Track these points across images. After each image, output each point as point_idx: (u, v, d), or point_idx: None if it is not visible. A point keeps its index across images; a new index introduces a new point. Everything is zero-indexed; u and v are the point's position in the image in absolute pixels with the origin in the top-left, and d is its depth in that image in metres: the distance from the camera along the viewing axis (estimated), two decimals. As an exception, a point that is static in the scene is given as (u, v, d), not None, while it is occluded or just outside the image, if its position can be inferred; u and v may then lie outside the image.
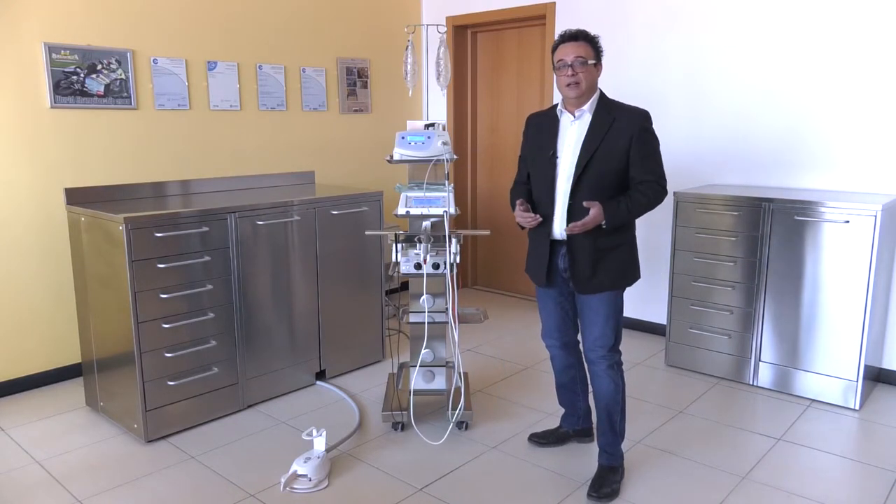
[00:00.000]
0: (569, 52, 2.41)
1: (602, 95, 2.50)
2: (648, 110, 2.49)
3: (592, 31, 2.50)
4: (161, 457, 2.84)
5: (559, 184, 2.48)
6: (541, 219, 2.49)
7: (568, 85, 2.42)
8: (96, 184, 3.56)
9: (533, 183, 2.60)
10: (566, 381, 2.84)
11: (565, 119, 2.51)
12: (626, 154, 2.41)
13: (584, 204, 2.41)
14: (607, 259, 2.47)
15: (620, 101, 2.53)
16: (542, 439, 2.92)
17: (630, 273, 2.54)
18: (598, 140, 2.41)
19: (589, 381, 2.80)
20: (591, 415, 2.92)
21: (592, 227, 2.38)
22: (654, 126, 2.50)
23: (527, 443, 2.94)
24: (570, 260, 2.50)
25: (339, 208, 3.58)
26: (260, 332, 3.31)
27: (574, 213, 2.45)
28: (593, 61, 2.42)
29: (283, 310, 3.39)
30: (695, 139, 4.03)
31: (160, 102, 3.81)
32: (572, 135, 2.48)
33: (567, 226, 2.41)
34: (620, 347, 2.59)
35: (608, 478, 2.57)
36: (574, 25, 4.44)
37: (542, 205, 2.55)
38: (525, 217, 2.50)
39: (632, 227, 2.55)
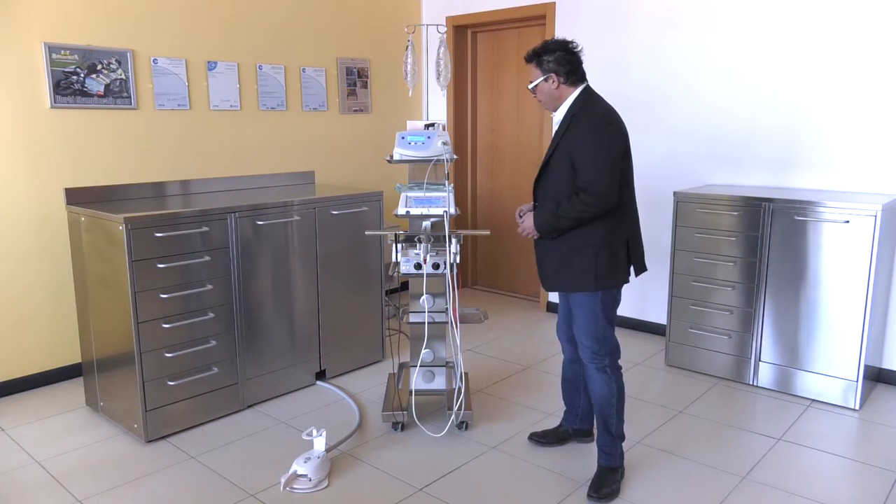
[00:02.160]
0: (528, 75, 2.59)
1: (578, 97, 2.49)
2: (610, 114, 2.44)
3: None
4: (161, 457, 2.84)
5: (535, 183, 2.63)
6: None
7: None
8: (96, 184, 3.56)
9: None
10: (570, 376, 2.86)
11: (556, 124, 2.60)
12: (571, 162, 2.42)
13: (518, 213, 2.68)
14: (571, 260, 2.50)
15: (605, 101, 2.52)
16: (542, 438, 2.93)
17: (594, 277, 2.47)
18: (556, 142, 2.49)
19: None
20: (591, 415, 2.92)
21: (532, 232, 2.53)
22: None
23: (527, 443, 2.94)
24: (538, 260, 2.62)
25: (339, 208, 3.58)
26: (260, 332, 3.31)
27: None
28: (539, 79, 2.50)
29: (283, 310, 3.39)
30: (695, 139, 4.03)
31: (160, 102, 3.81)
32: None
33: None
34: (610, 350, 2.56)
35: (607, 478, 2.57)
36: (574, 25, 4.47)
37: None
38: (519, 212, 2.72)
39: (598, 231, 2.46)
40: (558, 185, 2.46)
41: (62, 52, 3.41)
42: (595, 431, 2.85)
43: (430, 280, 2.96)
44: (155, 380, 2.94)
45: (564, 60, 2.47)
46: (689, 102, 4.03)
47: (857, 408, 3.26)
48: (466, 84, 5.26)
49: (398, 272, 2.93)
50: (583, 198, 2.38)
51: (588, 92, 2.51)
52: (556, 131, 2.51)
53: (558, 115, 2.54)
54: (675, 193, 3.68)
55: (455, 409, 2.98)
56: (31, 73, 3.35)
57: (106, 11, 3.56)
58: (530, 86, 2.55)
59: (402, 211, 2.89)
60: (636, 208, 2.59)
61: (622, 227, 2.51)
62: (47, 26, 3.37)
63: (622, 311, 2.77)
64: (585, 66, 2.56)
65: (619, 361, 2.61)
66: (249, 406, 3.32)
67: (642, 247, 2.63)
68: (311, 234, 3.48)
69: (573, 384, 2.86)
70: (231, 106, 4.13)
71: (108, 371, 3.11)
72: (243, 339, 3.24)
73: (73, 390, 3.50)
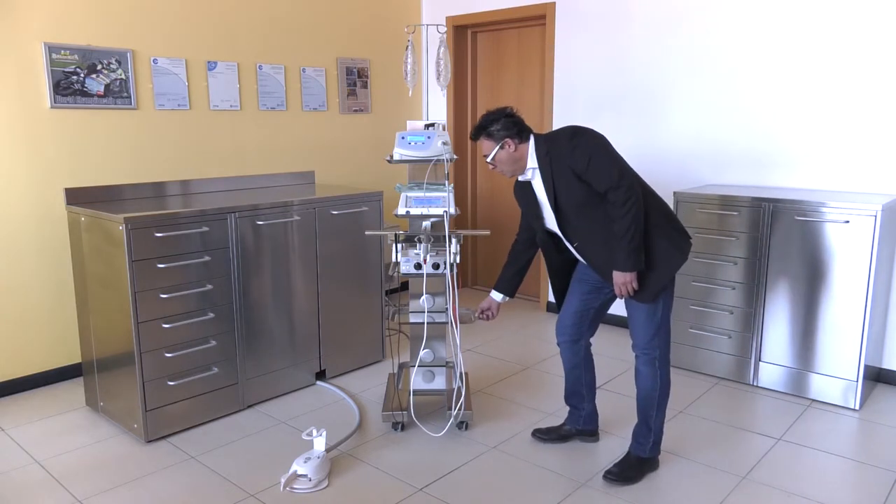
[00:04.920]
0: (481, 151, 2.58)
1: (537, 143, 2.51)
2: (573, 124, 2.53)
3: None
4: (161, 457, 2.84)
5: (560, 234, 2.59)
6: (486, 318, 2.89)
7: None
8: (96, 184, 3.56)
9: (544, 239, 2.68)
10: (572, 381, 2.86)
11: (533, 181, 2.58)
12: (579, 179, 2.41)
13: (481, 311, 2.86)
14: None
15: (565, 126, 2.57)
16: (545, 435, 2.94)
17: (665, 273, 2.46)
18: (550, 187, 2.48)
19: (594, 386, 2.89)
20: (595, 417, 2.92)
21: (631, 278, 2.40)
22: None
23: (527, 443, 2.94)
24: (609, 280, 2.53)
25: (339, 208, 3.58)
26: (260, 332, 3.31)
27: (584, 251, 2.56)
28: (496, 148, 2.50)
29: (283, 310, 3.39)
30: (695, 139, 4.03)
31: (160, 102, 3.81)
32: (539, 189, 2.55)
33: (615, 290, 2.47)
34: (662, 342, 2.57)
35: (632, 465, 2.63)
36: (574, 25, 4.46)
37: (557, 252, 2.69)
38: (480, 312, 2.89)
39: (647, 222, 2.46)
40: (584, 207, 2.44)
41: (62, 52, 3.41)
42: (597, 427, 2.85)
43: (430, 280, 2.96)
44: (155, 380, 2.94)
45: (510, 123, 2.50)
46: (690, 102, 4.03)
47: (857, 408, 3.26)
48: (466, 84, 5.27)
49: (398, 272, 2.93)
50: (616, 200, 2.35)
51: (539, 135, 2.54)
52: (543, 177, 2.49)
53: (529, 168, 2.52)
54: (675, 193, 3.68)
55: (455, 409, 2.97)
56: (31, 73, 3.35)
57: (106, 11, 3.56)
58: (489, 158, 2.53)
59: (402, 211, 2.89)
60: (652, 189, 2.54)
61: (654, 208, 2.47)
62: (47, 26, 3.37)
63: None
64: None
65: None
66: (249, 406, 3.32)
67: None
68: (311, 234, 3.48)
69: (575, 388, 2.87)
70: (231, 106, 4.13)
71: (108, 371, 3.11)
72: (243, 339, 3.24)
73: (73, 390, 3.50)
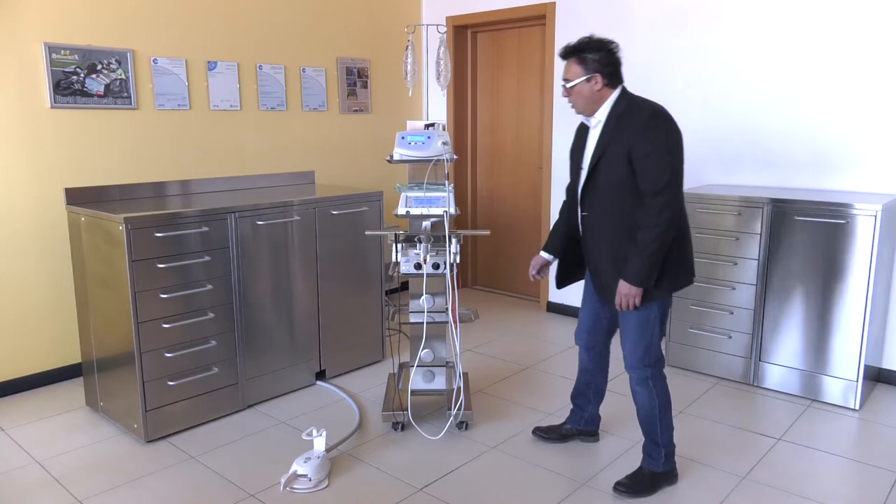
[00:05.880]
0: (563, 73, 2.41)
1: (620, 98, 2.35)
2: (662, 111, 2.31)
3: (592, 32, 2.47)
4: (161, 457, 2.84)
5: (579, 196, 2.49)
6: (538, 278, 2.75)
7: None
8: (96, 184, 3.56)
9: (571, 192, 2.61)
10: (582, 382, 2.85)
11: (592, 130, 2.46)
12: (629, 162, 2.27)
13: (533, 270, 2.72)
14: None
15: (648, 99, 2.39)
16: (546, 434, 2.94)
17: (659, 283, 2.35)
18: (602, 149, 2.34)
19: (603, 392, 2.87)
20: (597, 420, 2.92)
21: (636, 293, 2.30)
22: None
23: (527, 443, 2.94)
24: (594, 272, 2.50)
25: (339, 208, 3.58)
26: (260, 332, 3.31)
27: (585, 222, 2.47)
28: (582, 78, 2.32)
29: (283, 310, 3.39)
30: (695, 139, 4.03)
31: (160, 102, 3.81)
32: (591, 143, 2.43)
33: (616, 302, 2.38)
34: (654, 360, 2.46)
35: (644, 478, 2.55)
36: (574, 25, 4.46)
37: (574, 211, 2.57)
38: (531, 270, 2.75)
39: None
40: (616, 186, 2.31)
41: (62, 52, 3.41)
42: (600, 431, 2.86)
43: (430, 280, 2.96)
44: (155, 380, 2.94)
45: (609, 60, 2.31)
46: (690, 102, 4.03)
47: (857, 408, 3.25)
48: (466, 84, 5.26)
49: (398, 272, 2.93)
50: (651, 206, 2.23)
51: (626, 92, 2.37)
52: (602, 134, 2.34)
53: (596, 119, 2.38)
54: (675, 193, 3.67)
55: (455, 409, 2.97)
56: (31, 73, 3.35)
57: (106, 11, 3.56)
58: (568, 84, 2.34)
59: (402, 211, 2.89)
60: (686, 212, 2.42)
61: (682, 224, 2.38)
62: (47, 26, 3.37)
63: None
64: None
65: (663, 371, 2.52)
66: (249, 406, 3.32)
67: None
68: (311, 234, 3.48)
69: (583, 389, 2.86)
70: (231, 106, 4.13)
71: (108, 371, 3.11)
72: (243, 339, 3.24)
73: (73, 390, 3.50)
